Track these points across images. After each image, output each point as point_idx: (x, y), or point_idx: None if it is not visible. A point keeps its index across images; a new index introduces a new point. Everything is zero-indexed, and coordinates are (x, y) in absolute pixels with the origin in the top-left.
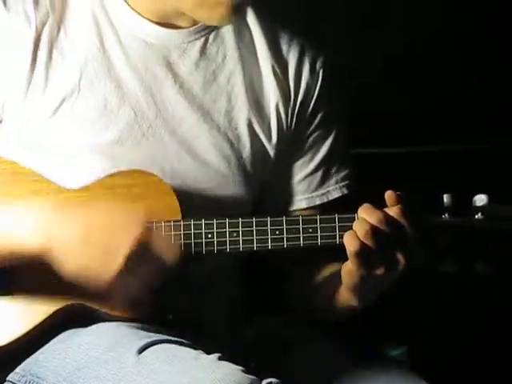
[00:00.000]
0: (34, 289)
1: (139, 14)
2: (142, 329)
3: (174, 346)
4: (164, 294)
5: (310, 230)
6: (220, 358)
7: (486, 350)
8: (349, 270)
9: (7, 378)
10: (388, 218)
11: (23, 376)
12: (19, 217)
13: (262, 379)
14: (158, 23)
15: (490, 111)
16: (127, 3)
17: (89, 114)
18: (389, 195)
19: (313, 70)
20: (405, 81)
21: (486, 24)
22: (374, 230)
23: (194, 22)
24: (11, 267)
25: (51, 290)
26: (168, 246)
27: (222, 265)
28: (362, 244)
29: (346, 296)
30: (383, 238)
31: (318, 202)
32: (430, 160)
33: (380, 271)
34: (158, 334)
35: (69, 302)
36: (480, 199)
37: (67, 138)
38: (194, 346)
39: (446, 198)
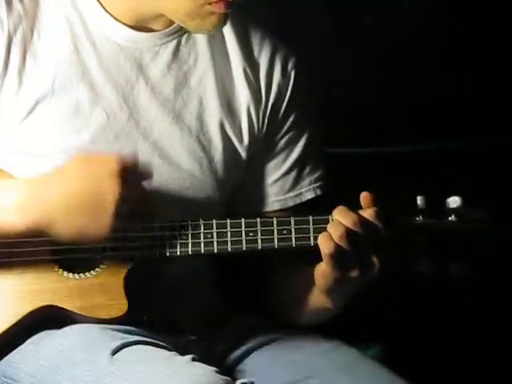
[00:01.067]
0: (9, 288)
1: (114, 17)
2: (116, 330)
3: (147, 347)
4: (140, 295)
5: (285, 232)
6: (194, 359)
7: (461, 349)
8: (323, 271)
9: None
10: (363, 220)
11: None
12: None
13: (236, 380)
14: (131, 27)
15: (465, 111)
16: (103, 7)
17: (62, 117)
18: (364, 197)
19: (284, 72)
20: (379, 78)
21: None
22: (348, 232)
23: (168, 25)
24: None
25: (26, 289)
26: (140, 192)
27: (197, 265)
28: (337, 246)
29: (319, 298)
30: (358, 240)
31: (290, 203)
32: (403, 161)
33: (354, 273)
34: (132, 335)
35: (43, 304)
36: (453, 201)
37: (40, 141)
38: (168, 347)
39: (419, 199)
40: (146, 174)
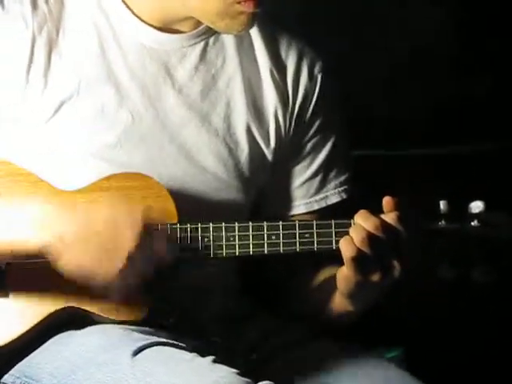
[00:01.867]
0: (32, 289)
1: (140, 19)
2: (137, 331)
3: (168, 348)
4: (164, 298)
5: (307, 236)
6: (215, 361)
7: (482, 353)
8: (344, 275)
9: (2, 380)
10: (384, 225)
11: (18, 378)
12: (18, 216)
13: (257, 382)
14: (158, 28)
15: (488, 116)
16: (129, 9)
17: (87, 118)
18: (386, 201)
19: (311, 75)
20: (404, 85)
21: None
22: (370, 237)
23: (195, 27)
24: (9, 267)
25: (49, 291)
26: (165, 248)
27: (218, 267)
28: (359, 250)
29: (340, 301)
30: (380, 245)
31: (316, 207)
32: (426, 165)
33: (376, 277)
34: (152, 337)
35: (64, 305)
36: (476, 206)
37: (65, 141)
38: (189, 348)
39: (442, 204)
40: (170, 244)
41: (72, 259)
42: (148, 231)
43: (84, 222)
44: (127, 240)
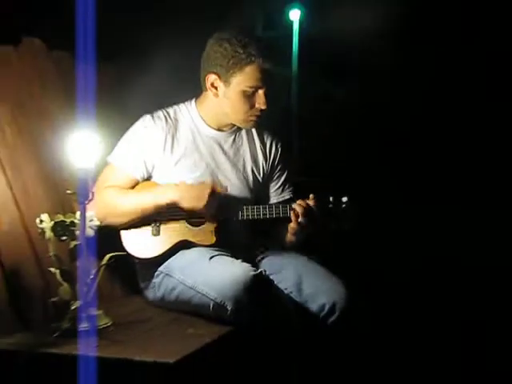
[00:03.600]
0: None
1: (209, 125)
2: (211, 249)
3: (225, 256)
4: (222, 234)
5: (277, 210)
6: (242, 261)
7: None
8: (292, 227)
9: (159, 269)
10: (309, 207)
11: (163, 270)
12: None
13: (256, 270)
14: (216, 128)
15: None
16: (203, 120)
17: (187, 166)
18: (311, 197)
19: (277, 148)
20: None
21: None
22: (304, 211)
23: (230, 127)
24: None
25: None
26: (217, 200)
27: (244, 224)
28: (298, 216)
29: (289, 237)
30: (307, 215)
31: (280, 199)
32: (325, 183)
33: (304, 229)
34: (218, 251)
35: (182, 239)
36: (345, 199)
37: (179, 175)
38: (232, 256)
39: (331, 197)
40: (221, 194)
41: (183, 203)
42: (215, 190)
43: (186, 191)
44: (206, 194)
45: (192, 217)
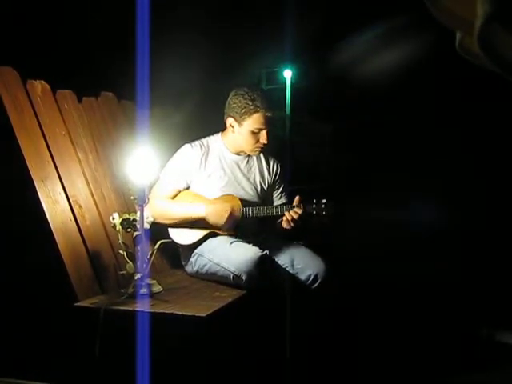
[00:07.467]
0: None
1: (230, 151)
2: (231, 237)
3: (242, 242)
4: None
5: (277, 209)
6: (253, 245)
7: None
8: (284, 224)
9: (195, 251)
10: (299, 213)
11: (196, 253)
12: (201, 207)
13: (262, 251)
14: (235, 153)
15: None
16: (227, 148)
17: (216, 179)
18: (297, 199)
19: (277, 167)
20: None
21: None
22: (294, 216)
23: (245, 153)
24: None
25: (205, 228)
26: (239, 216)
27: (254, 219)
28: (289, 219)
29: (284, 228)
30: (296, 218)
31: (279, 203)
32: (313, 191)
33: (293, 226)
34: (236, 239)
35: (211, 231)
36: (324, 201)
37: (211, 187)
38: (247, 241)
39: (314, 200)
40: (238, 215)
41: (212, 220)
42: (232, 211)
43: (213, 209)
44: (228, 213)
45: (215, 228)
